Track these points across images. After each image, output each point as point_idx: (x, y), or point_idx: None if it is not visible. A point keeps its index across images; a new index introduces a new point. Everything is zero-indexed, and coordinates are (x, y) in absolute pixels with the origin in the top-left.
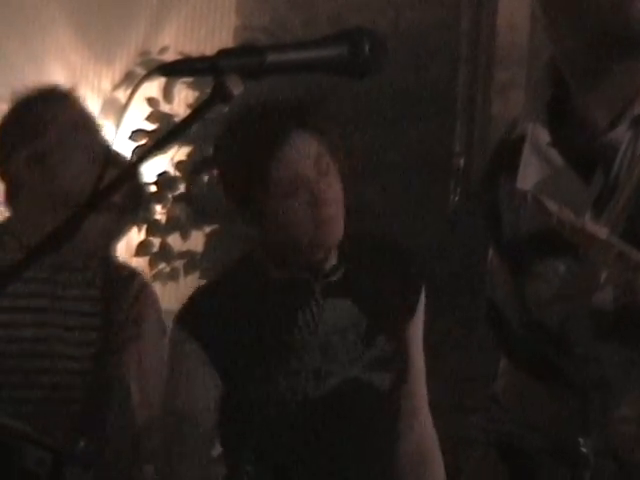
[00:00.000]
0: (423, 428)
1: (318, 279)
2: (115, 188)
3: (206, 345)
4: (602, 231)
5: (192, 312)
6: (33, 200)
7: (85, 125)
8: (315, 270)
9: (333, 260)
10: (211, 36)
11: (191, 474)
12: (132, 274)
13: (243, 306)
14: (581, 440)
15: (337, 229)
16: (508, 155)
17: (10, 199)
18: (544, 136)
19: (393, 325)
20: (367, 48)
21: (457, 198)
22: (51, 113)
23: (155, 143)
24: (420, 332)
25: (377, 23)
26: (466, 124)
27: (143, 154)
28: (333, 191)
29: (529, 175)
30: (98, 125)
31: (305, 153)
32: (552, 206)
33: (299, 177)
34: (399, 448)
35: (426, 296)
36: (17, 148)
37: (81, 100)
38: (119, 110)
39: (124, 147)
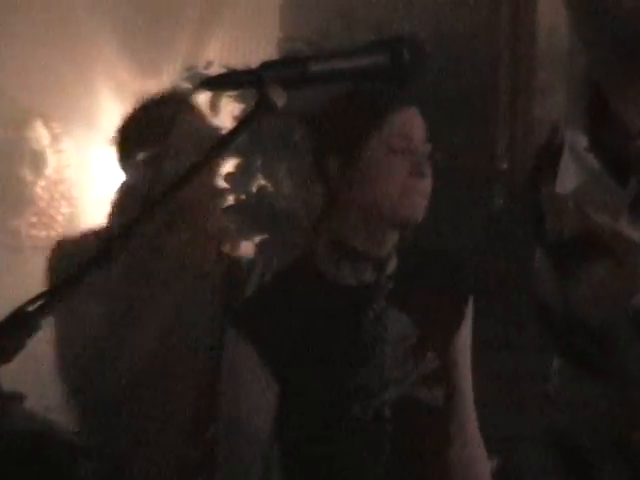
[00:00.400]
0: (471, 435)
1: (379, 283)
2: (168, 198)
3: (261, 347)
4: (637, 234)
5: (246, 313)
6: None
7: (203, 131)
8: (378, 270)
9: (393, 264)
10: (255, 49)
11: None
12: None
13: (299, 309)
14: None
15: (421, 208)
16: (549, 160)
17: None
18: (582, 141)
19: (443, 338)
20: (407, 56)
21: (502, 200)
22: (171, 117)
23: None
24: (468, 342)
25: (418, 29)
26: (508, 128)
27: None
28: (428, 172)
29: (568, 180)
30: (215, 131)
31: (418, 123)
32: (591, 211)
33: (410, 138)
34: (448, 456)
35: (474, 300)
36: (135, 151)
37: (199, 106)
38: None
39: None
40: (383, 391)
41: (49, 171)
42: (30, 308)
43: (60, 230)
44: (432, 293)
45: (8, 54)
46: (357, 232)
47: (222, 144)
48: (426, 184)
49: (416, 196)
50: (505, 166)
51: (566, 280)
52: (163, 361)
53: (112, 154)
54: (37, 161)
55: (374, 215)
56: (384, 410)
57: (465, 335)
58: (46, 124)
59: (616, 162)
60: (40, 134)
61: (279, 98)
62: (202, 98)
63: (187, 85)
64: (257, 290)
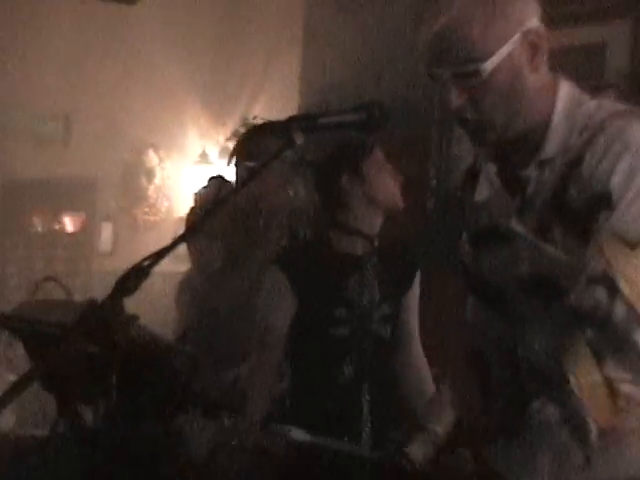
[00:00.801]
0: (415, 356)
1: (368, 253)
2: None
3: (290, 277)
4: (521, 228)
5: (284, 257)
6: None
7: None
8: (369, 244)
9: (376, 242)
10: (285, 105)
11: (267, 377)
12: None
13: (314, 260)
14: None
15: (401, 201)
16: (471, 179)
17: None
18: (492, 169)
19: (396, 296)
20: (377, 114)
21: (432, 204)
22: (265, 143)
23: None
24: (416, 300)
25: (385, 94)
26: (437, 160)
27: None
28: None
29: (482, 192)
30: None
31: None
32: (494, 213)
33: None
34: (397, 369)
35: (421, 272)
36: (244, 160)
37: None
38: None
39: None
40: (360, 321)
41: (157, 180)
42: (145, 263)
43: (162, 217)
44: (393, 266)
45: (132, 102)
46: (357, 218)
47: (261, 168)
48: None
49: (401, 190)
50: (434, 183)
51: (478, 254)
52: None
53: (197, 171)
54: (149, 174)
55: (373, 205)
56: (359, 333)
57: (415, 294)
58: (155, 151)
59: (510, 183)
60: (151, 157)
61: (298, 138)
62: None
63: (242, 129)
64: (291, 245)
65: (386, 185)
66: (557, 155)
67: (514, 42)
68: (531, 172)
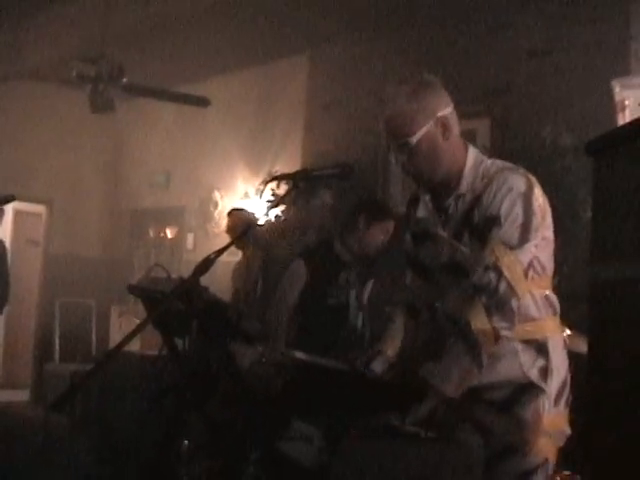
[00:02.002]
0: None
1: (352, 260)
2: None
3: (306, 262)
4: (444, 234)
5: (304, 252)
6: None
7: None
8: (353, 255)
9: (356, 254)
10: (295, 159)
11: (284, 325)
12: None
13: (322, 260)
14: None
15: (381, 246)
16: (414, 203)
17: None
18: (428, 198)
19: (361, 285)
20: (347, 170)
21: None
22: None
23: (272, 204)
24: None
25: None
26: (381, 190)
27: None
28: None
29: (421, 211)
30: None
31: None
32: (425, 226)
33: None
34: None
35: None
36: (319, 192)
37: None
38: (261, 192)
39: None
40: (344, 296)
41: (219, 208)
42: (212, 256)
43: (221, 229)
44: (364, 266)
45: (206, 164)
46: (353, 241)
47: (284, 196)
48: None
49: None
50: None
51: (417, 247)
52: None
53: (242, 204)
54: (215, 205)
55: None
56: (343, 302)
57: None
58: (218, 191)
59: (438, 208)
60: (216, 195)
61: (301, 183)
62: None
63: (269, 179)
64: (311, 246)
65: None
66: (467, 192)
67: (430, 125)
68: (451, 202)
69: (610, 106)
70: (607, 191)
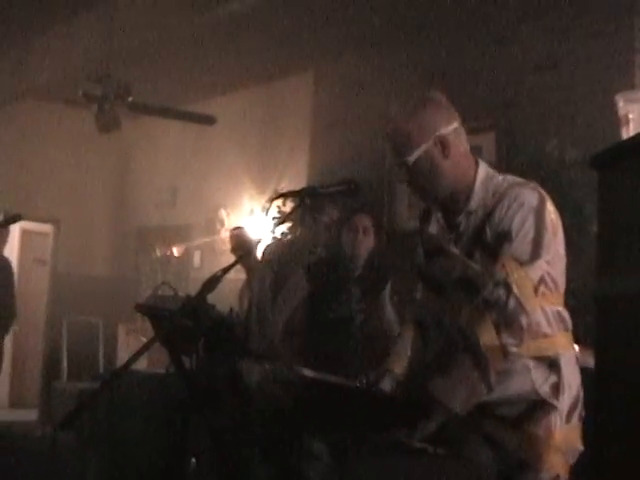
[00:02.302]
0: (390, 330)
1: (354, 272)
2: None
3: (308, 275)
4: (456, 250)
5: (309, 266)
6: None
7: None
8: (353, 272)
9: (359, 271)
10: (301, 175)
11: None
12: None
13: (326, 269)
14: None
15: (365, 253)
16: (426, 217)
17: None
18: (439, 215)
19: (373, 296)
20: (353, 186)
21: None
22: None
23: (277, 221)
24: (388, 296)
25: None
26: (387, 207)
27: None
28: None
29: (433, 227)
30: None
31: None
32: (440, 241)
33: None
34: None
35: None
36: (324, 213)
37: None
38: (266, 210)
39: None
40: (345, 310)
41: (226, 226)
42: (219, 273)
43: (228, 247)
44: (373, 278)
45: (212, 182)
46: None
47: (290, 213)
48: (364, 244)
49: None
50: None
51: (428, 263)
52: None
53: (248, 221)
54: (221, 222)
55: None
56: (345, 317)
57: (386, 294)
58: (224, 209)
59: (449, 224)
60: (222, 213)
61: (307, 200)
62: (280, 201)
63: (275, 196)
64: (314, 261)
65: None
66: (478, 208)
67: (428, 144)
68: (462, 219)
69: (615, 120)
70: (612, 204)
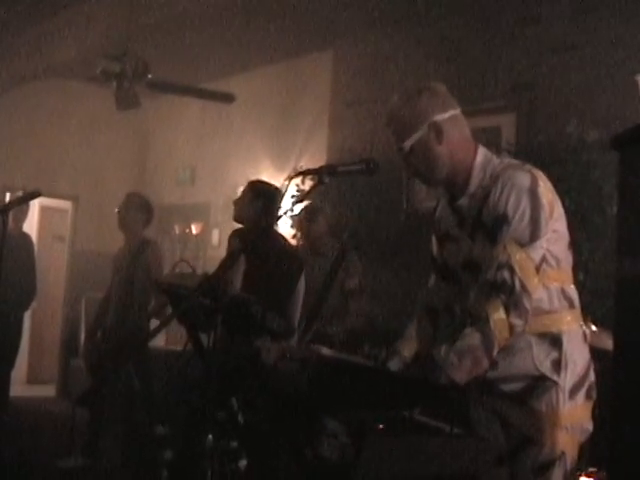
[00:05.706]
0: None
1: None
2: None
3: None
4: (461, 234)
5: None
6: None
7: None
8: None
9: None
10: (320, 155)
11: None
12: None
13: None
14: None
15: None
16: (437, 205)
17: None
18: (445, 200)
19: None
20: (372, 165)
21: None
22: None
23: (297, 199)
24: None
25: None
26: (406, 190)
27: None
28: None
29: (440, 212)
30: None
31: None
32: (446, 224)
33: None
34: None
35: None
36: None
37: None
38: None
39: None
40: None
41: None
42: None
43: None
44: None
45: (232, 160)
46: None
47: (310, 190)
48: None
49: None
50: (406, 204)
51: (441, 248)
52: None
53: None
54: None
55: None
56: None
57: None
58: (243, 187)
59: (453, 208)
60: (240, 191)
61: (326, 179)
62: (299, 179)
63: (294, 174)
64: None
65: None
66: (477, 190)
67: (422, 130)
68: (464, 201)
69: (635, 100)
70: (633, 185)
